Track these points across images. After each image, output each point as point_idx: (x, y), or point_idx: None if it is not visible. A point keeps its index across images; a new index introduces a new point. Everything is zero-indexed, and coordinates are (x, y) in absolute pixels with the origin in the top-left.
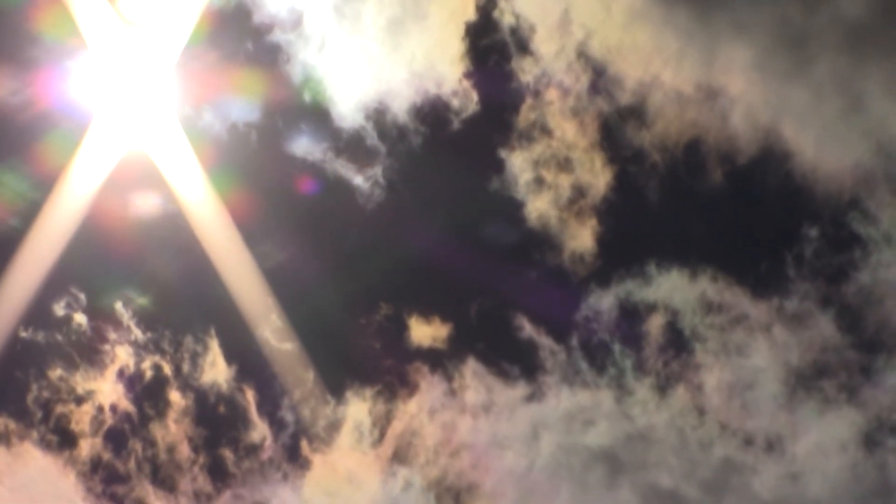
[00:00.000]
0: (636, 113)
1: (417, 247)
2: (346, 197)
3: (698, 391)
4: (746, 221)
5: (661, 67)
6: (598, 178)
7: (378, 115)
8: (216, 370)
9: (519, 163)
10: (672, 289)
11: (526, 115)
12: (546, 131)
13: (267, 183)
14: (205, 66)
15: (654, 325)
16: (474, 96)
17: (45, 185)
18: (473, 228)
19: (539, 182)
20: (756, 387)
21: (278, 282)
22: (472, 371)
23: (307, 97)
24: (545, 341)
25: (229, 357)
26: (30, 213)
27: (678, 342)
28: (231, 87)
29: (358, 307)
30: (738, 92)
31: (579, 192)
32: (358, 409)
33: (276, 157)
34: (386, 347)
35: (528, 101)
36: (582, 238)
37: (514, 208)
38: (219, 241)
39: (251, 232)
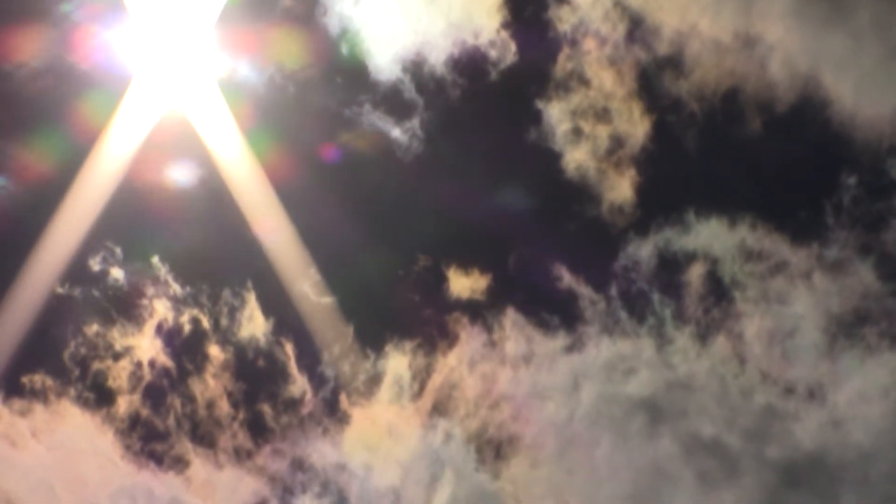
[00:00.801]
0: (673, 62)
1: (455, 199)
2: (384, 150)
3: (738, 340)
4: (785, 169)
5: (699, 16)
6: (636, 127)
7: (415, 68)
8: (254, 324)
9: (556, 113)
10: (711, 237)
11: (563, 66)
12: (583, 81)
13: (305, 138)
14: (243, 23)
15: (694, 273)
16: (512, 47)
17: (85, 145)
18: (511, 180)
19: (577, 133)
20: (796, 335)
21: (315, 236)
22: (511, 322)
23: (344, 51)
24: (584, 291)
25: (267, 311)
26: (70, 170)
27: (718, 291)
28: (268, 43)
29: (396, 260)
30: (775, 39)
31: (617, 142)
32: (397, 362)
33: (314, 111)
34: (425, 300)
35: (566, 50)
36: (620, 188)
37: (552, 159)
38: (256, 198)
39: (289, 187)
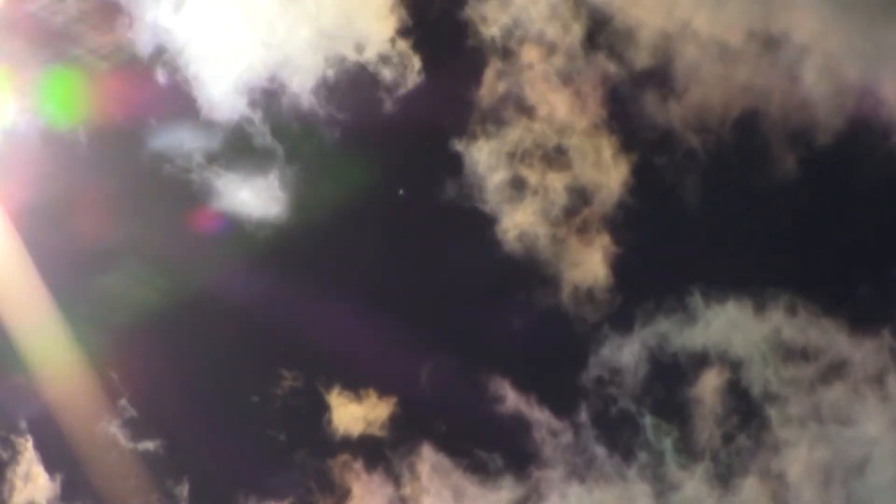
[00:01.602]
0: (659, 78)
1: (336, 291)
2: (225, 222)
3: (778, 482)
4: (834, 226)
5: (693, 9)
6: (608, 174)
7: (269, 100)
8: (33, 486)
9: (485, 157)
10: (728, 328)
11: (491, 87)
12: (523, 109)
13: (101, 207)
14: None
15: (706, 383)
16: (415, 63)
17: None
18: (420, 259)
19: (518, 185)
20: (867, 471)
21: (125, 353)
22: (430, 466)
23: (161, 79)
24: (540, 417)
25: (52, 465)
26: None
27: (742, 408)
28: (48, 67)
29: (249, 381)
30: (808, 39)
31: (580, 196)
32: None
33: (115, 169)
34: (295, 438)
35: (495, 64)
36: (588, 264)
37: (480, 226)
38: (28, 302)
39: (75, 285)
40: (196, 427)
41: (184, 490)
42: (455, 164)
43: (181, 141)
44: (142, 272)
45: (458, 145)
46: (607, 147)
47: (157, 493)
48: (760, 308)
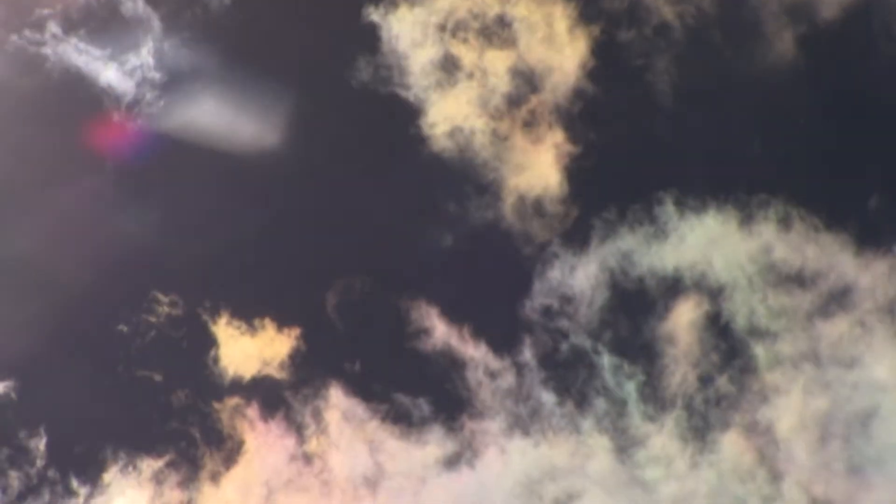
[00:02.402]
0: None
1: (221, 199)
2: (86, 112)
3: (765, 437)
4: (839, 122)
5: None
6: (562, 53)
7: None
8: None
9: (406, 30)
10: (707, 245)
11: None
12: None
13: None
14: None
15: (678, 315)
16: None
17: None
18: (327, 159)
19: (448, 66)
20: (874, 424)
21: None
22: (340, 413)
23: None
24: (475, 354)
25: None
26: None
27: (723, 344)
28: None
29: (118, 306)
30: None
31: (527, 81)
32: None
33: None
34: (173, 378)
35: None
36: (536, 167)
37: (401, 117)
38: None
39: None
40: (53, 365)
41: (39, 443)
42: (369, 38)
43: (31, 7)
44: None
45: (374, 14)
46: (561, 18)
47: (6, 446)
48: (747, 220)
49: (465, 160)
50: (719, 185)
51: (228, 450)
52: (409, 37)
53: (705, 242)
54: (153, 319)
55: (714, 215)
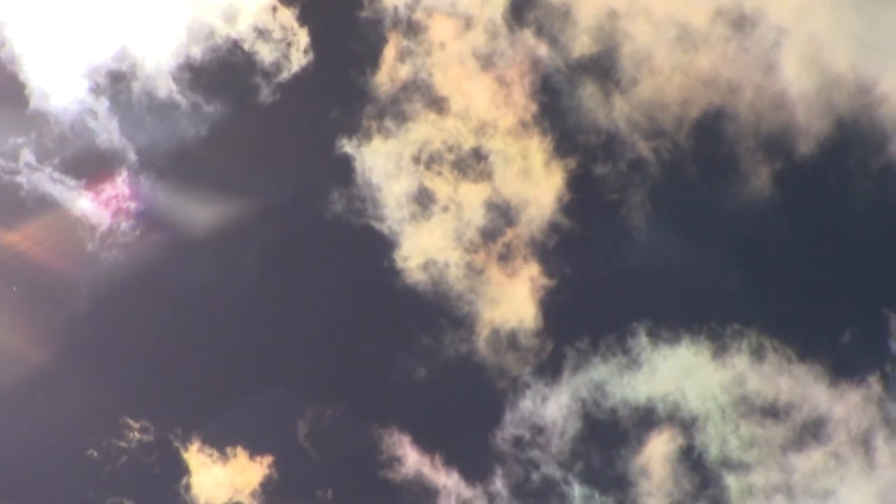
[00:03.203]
0: (602, 66)
1: (195, 324)
2: (60, 239)
3: None
4: (814, 254)
5: None
6: (538, 187)
7: (117, 86)
8: None
9: (380, 162)
10: (679, 376)
11: (391, 71)
12: (432, 101)
13: None
14: None
15: (651, 445)
16: (300, 39)
17: None
18: (301, 289)
19: (423, 199)
20: None
21: None
22: None
23: None
24: (447, 482)
25: None
26: None
27: (696, 476)
28: None
29: (89, 430)
30: (787, 20)
31: (503, 215)
32: None
33: None
34: (144, 499)
35: (396, 42)
36: (511, 298)
37: (375, 249)
38: None
39: None
40: (22, 489)
41: None
42: (343, 170)
43: (4, 135)
44: None
45: (348, 146)
46: (537, 152)
47: None
48: (720, 351)
49: (438, 293)
50: (693, 315)
51: None
52: (382, 169)
53: (678, 373)
54: (124, 445)
55: (687, 346)
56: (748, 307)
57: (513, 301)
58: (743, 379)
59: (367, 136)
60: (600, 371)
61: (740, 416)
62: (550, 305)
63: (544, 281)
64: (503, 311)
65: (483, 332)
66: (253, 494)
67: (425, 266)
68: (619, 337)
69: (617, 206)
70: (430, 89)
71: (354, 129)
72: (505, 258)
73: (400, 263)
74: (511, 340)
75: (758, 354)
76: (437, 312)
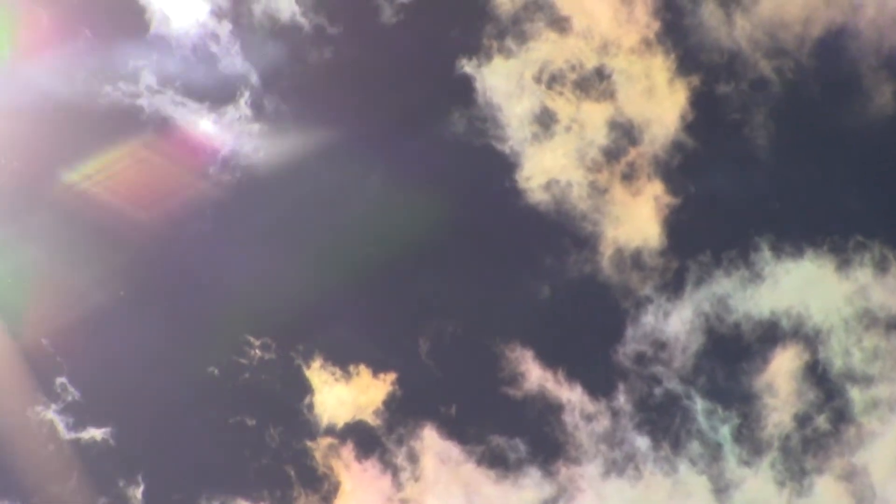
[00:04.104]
0: None
1: (318, 246)
2: (182, 164)
3: (861, 482)
4: None
5: None
6: (661, 106)
7: (239, 9)
8: None
9: (501, 82)
10: (803, 290)
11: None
12: (553, 19)
13: (28, 149)
14: None
15: (773, 359)
16: None
17: None
18: (424, 210)
19: (545, 119)
20: None
21: (61, 323)
22: (434, 454)
23: None
24: (570, 397)
25: None
26: None
27: (819, 389)
28: None
29: (210, 349)
30: None
31: (626, 134)
32: None
33: (45, 97)
34: (264, 421)
35: None
36: (634, 218)
37: (497, 170)
38: None
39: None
40: (148, 410)
41: (137, 491)
42: (464, 91)
43: (127, 59)
44: (77, 228)
45: (468, 66)
46: (660, 71)
47: (105, 495)
48: (843, 264)
49: (561, 213)
50: (815, 229)
51: (324, 491)
52: (503, 89)
53: (801, 286)
54: (245, 362)
55: (810, 259)
56: (870, 219)
57: (636, 220)
58: (866, 291)
59: (488, 57)
60: (723, 285)
61: (864, 329)
62: (674, 224)
63: (668, 199)
64: (627, 231)
65: (607, 252)
66: (376, 412)
67: (548, 186)
68: (741, 251)
69: (739, 125)
70: (551, 8)
71: (475, 49)
72: (628, 177)
73: (522, 184)
74: (635, 259)
75: (881, 266)
76: (560, 232)
